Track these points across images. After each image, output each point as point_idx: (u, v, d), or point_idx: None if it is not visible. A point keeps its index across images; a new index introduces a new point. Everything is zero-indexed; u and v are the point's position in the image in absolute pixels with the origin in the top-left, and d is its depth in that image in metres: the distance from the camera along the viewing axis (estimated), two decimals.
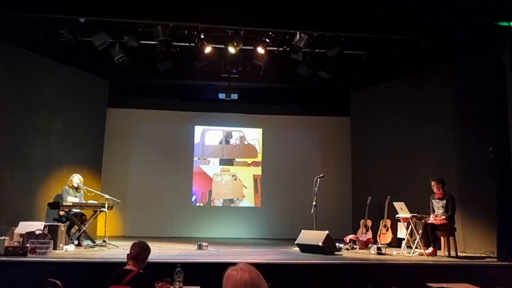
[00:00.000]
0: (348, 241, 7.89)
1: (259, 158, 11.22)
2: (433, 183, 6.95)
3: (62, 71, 8.73)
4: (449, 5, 6.86)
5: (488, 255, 6.84)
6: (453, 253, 6.67)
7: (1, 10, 6.58)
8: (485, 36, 7.02)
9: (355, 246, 7.66)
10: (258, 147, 11.27)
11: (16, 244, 5.99)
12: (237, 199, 11.03)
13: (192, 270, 4.20)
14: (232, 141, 11.30)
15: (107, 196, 7.37)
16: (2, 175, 7.44)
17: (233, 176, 11.12)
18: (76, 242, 7.09)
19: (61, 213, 7.10)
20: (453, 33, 7.08)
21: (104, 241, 7.21)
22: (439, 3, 6.80)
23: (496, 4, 6.69)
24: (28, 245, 5.66)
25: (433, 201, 7.02)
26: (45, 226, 6.38)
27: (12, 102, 7.70)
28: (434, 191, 6.97)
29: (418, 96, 8.75)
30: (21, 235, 6.18)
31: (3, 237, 5.77)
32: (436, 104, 8.37)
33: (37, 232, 6.04)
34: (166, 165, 10.78)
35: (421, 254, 6.67)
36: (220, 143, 11.23)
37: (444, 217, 6.76)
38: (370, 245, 7.27)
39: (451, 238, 6.73)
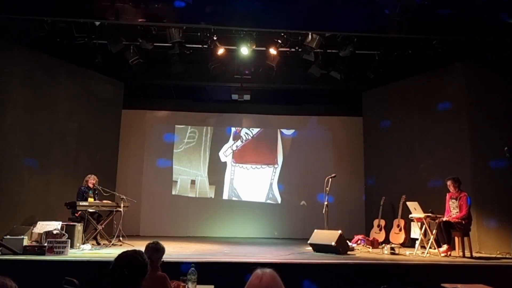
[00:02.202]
0: (356, 240, 7.99)
1: (271, 160, 11.21)
2: (449, 182, 6.90)
3: (78, 73, 8.91)
4: (462, 3, 6.82)
5: (504, 256, 6.77)
6: (467, 254, 6.60)
7: (18, 14, 6.76)
8: (499, 34, 6.95)
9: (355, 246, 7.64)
10: (272, 147, 11.28)
11: (34, 243, 6.13)
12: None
13: (206, 269, 4.26)
14: (243, 141, 11.30)
15: (122, 196, 7.50)
16: (20, 176, 7.62)
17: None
18: (92, 241, 7.23)
19: (77, 214, 7.24)
20: (467, 31, 7.03)
21: (119, 240, 7.34)
22: (452, 1, 6.76)
23: (509, 1, 6.62)
24: (46, 244, 5.78)
25: (448, 200, 6.97)
26: (62, 226, 6.53)
27: (29, 104, 7.88)
28: (450, 190, 6.93)
29: (431, 95, 8.68)
30: (39, 235, 6.33)
31: (21, 237, 5.91)
32: (450, 103, 8.29)
33: (54, 232, 6.17)
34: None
35: (435, 255, 6.63)
36: (232, 143, 11.26)
37: (458, 215, 6.71)
38: (384, 245, 7.26)
39: (465, 238, 6.67)
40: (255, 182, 11.13)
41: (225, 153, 11.18)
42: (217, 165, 11.08)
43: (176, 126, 11.05)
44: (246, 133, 11.33)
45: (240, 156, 11.23)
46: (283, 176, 11.07)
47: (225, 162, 11.14)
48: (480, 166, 7.58)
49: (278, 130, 11.30)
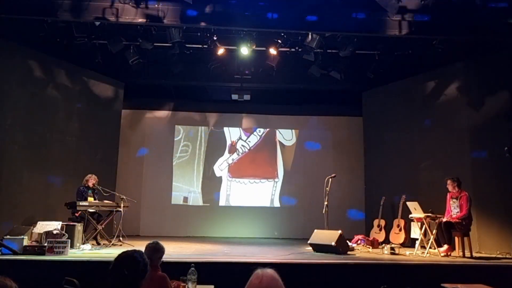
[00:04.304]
0: (356, 240, 8.03)
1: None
2: (448, 182, 6.90)
3: (78, 73, 8.91)
4: (462, 3, 6.83)
5: (504, 256, 6.76)
6: (467, 254, 6.60)
7: (18, 14, 6.76)
8: (499, 34, 6.96)
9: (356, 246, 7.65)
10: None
11: (34, 243, 6.13)
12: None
13: (206, 269, 4.26)
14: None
15: (122, 196, 7.49)
16: (20, 175, 7.62)
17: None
18: (92, 241, 7.23)
19: (77, 214, 7.23)
20: (467, 31, 7.04)
21: (120, 240, 7.34)
22: (452, 1, 6.76)
23: (510, 2, 6.63)
24: (46, 244, 5.78)
25: (449, 200, 6.96)
26: (62, 226, 6.52)
27: (30, 103, 7.89)
28: (450, 190, 6.93)
29: (431, 95, 8.69)
30: (39, 235, 6.33)
31: (21, 237, 5.91)
32: (450, 103, 8.30)
33: (54, 232, 6.17)
34: (180, 165, 10.86)
35: (435, 255, 6.63)
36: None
37: (459, 215, 6.71)
38: (384, 245, 7.26)
39: (465, 238, 6.67)
40: (253, 198, 10.78)
41: (220, 167, 10.91)
42: (211, 180, 10.78)
43: (176, 126, 11.03)
44: (242, 145, 11.04)
45: (236, 170, 10.91)
46: (284, 190, 10.84)
47: (220, 177, 10.88)
48: (480, 166, 7.58)
49: (277, 141, 11.10)
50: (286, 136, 11.18)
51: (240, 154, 11.01)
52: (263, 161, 11.00)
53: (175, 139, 10.93)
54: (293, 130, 11.20)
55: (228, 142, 11.04)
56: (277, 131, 11.18)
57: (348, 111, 11.00)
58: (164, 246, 3.65)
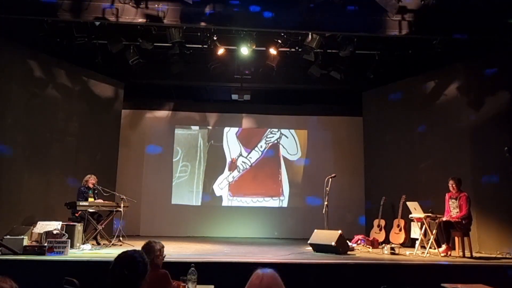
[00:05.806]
0: (356, 240, 8.03)
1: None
2: (451, 182, 6.88)
3: (78, 73, 8.91)
4: (462, 3, 6.83)
5: (504, 256, 6.76)
6: (467, 254, 6.59)
7: (18, 14, 6.77)
8: (499, 34, 6.96)
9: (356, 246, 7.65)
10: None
11: (34, 243, 6.14)
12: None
13: (206, 269, 4.26)
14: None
15: (122, 196, 7.50)
16: (20, 176, 7.62)
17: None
18: (92, 241, 7.22)
19: (77, 214, 7.23)
20: (467, 31, 7.03)
21: (120, 240, 7.34)
22: (452, 1, 6.77)
23: (510, 1, 6.63)
24: (46, 244, 5.78)
25: (448, 200, 6.96)
26: (62, 226, 6.53)
27: (29, 104, 7.88)
28: (451, 190, 6.91)
29: (431, 96, 8.69)
30: (39, 235, 6.34)
31: (22, 237, 5.91)
32: (450, 103, 8.30)
33: (54, 232, 6.18)
34: (180, 165, 10.86)
35: (435, 255, 6.63)
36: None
37: (459, 215, 6.71)
38: (384, 245, 7.26)
39: (465, 238, 6.66)
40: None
41: (220, 186, 10.68)
42: (211, 200, 10.59)
43: (176, 126, 11.02)
44: (243, 162, 10.77)
45: (237, 188, 10.63)
46: (291, 208, 10.64)
47: (221, 196, 10.67)
48: (480, 166, 7.58)
49: (281, 156, 10.90)
50: (291, 151, 10.96)
51: (241, 171, 10.71)
52: (266, 178, 10.66)
53: (174, 160, 10.73)
54: (298, 145, 11.01)
55: (228, 160, 10.82)
56: (280, 146, 10.97)
57: (348, 111, 11.00)
58: (158, 243, 3.63)
